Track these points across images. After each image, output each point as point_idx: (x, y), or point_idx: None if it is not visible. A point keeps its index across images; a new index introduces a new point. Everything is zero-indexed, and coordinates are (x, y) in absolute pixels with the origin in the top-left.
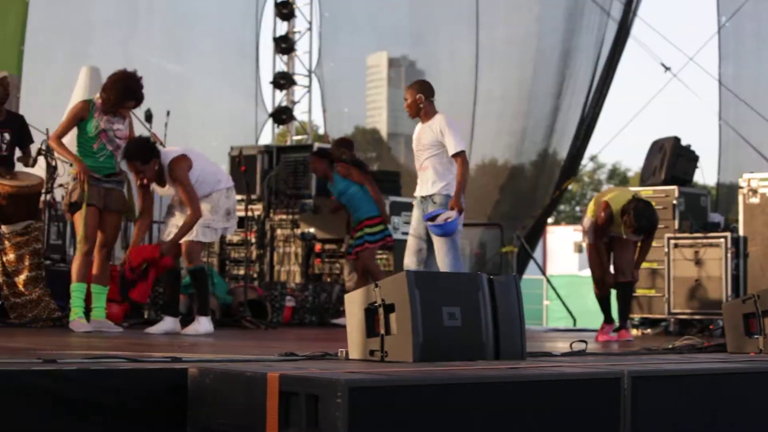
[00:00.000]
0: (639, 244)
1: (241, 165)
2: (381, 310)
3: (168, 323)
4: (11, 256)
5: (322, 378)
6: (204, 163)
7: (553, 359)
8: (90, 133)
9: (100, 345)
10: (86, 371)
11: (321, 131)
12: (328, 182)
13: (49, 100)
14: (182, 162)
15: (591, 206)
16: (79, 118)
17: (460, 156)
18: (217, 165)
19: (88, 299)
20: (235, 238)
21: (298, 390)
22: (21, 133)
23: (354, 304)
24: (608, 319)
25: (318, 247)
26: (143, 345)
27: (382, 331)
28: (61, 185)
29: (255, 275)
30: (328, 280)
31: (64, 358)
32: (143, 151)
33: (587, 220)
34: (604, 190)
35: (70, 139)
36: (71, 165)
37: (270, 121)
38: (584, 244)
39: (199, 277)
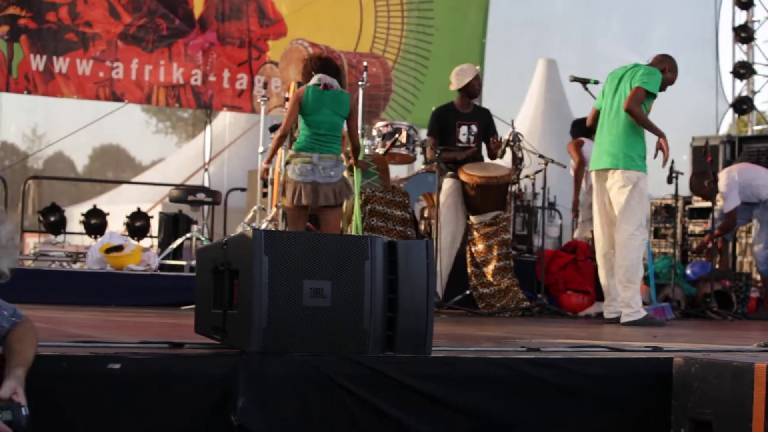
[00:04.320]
0: None
1: (707, 155)
2: None
3: None
4: (480, 247)
5: None
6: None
7: None
8: None
9: (577, 334)
10: (572, 359)
11: None
12: None
13: (510, 92)
14: None
15: None
16: None
17: None
18: None
19: None
20: (697, 229)
21: None
22: (488, 125)
23: None
24: None
25: None
26: (617, 335)
27: None
28: (527, 176)
29: (716, 265)
30: None
31: (547, 347)
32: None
33: None
34: None
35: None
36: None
37: (730, 111)
38: None
39: None
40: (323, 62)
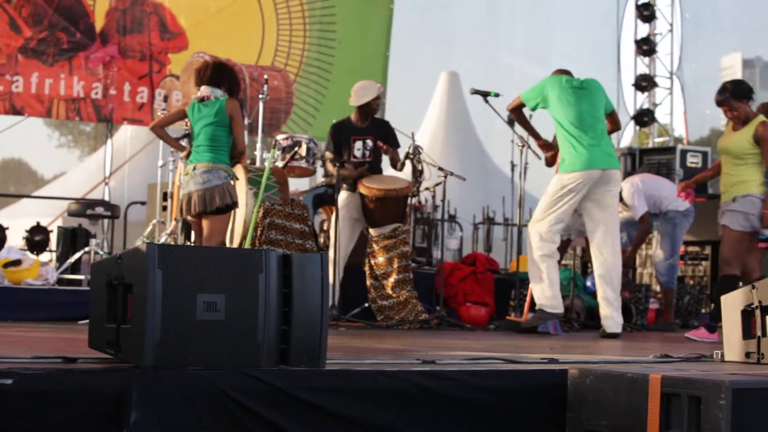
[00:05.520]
0: None
1: None
2: (758, 312)
3: None
4: (380, 259)
5: (705, 379)
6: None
7: None
8: None
9: (474, 346)
10: (467, 372)
11: (677, 134)
12: None
13: (413, 104)
14: None
15: None
16: None
17: None
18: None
19: None
20: None
21: (680, 391)
22: (386, 137)
23: (731, 306)
24: None
25: (682, 249)
26: (515, 347)
27: (759, 333)
28: (427, 188)
29: None
30: (691, 282)
31: (442, 359)
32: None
33: None
34: None
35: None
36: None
37: (632, 123)
38: None
39: None
40: (211, 70)
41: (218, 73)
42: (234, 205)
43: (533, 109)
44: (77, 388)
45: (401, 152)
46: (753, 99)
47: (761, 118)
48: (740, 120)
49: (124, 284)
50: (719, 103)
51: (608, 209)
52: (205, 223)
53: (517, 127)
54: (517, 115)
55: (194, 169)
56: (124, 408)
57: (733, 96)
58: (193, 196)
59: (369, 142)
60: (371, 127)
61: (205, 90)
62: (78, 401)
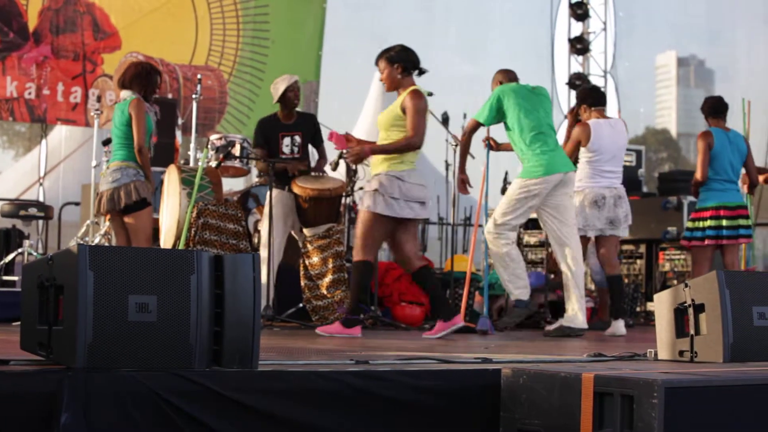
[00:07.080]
0: None
1: None
2: (691, 311)
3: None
4: (315, 259)
5: (638, 378)
6: None
7: None
8: (151, 129)
9: (409, 346)
10: (400, 372)
11: None
12: None
13: (347, 103)
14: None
15: None
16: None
17: None
18: None
19: None
20: (532, 240)
21: (613, 390)
22: (315, 134)
23: (663, 304)
24: None
25: None
26: (449, 346)
27: (692, 332)
28: (361, 188)
29: (552, 276)
30: (626, 281)
31: (376, 359)
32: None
33: None
34: None
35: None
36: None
37: (565, 122)
38: None
39: None
40: (124, 73)
41: (128, 76)
42: (142, 202)
43: (490, 124)
44: (9, 390)
45: (335, 153)
46: (410, 74)
47: (415, 87)
48: (388, 86)
49: (55, 285)
50: (376, 60)
51: (567, 212)
52: (126, 220)
53: (451, 127)
54: (467, 140)
55: (107, 168)
56: (55, 410)
57: (390, 57)
58: (103, 195)
59: (297, 138)
60: (299, 122)
61: (122, 93)
62: (10, 403)
